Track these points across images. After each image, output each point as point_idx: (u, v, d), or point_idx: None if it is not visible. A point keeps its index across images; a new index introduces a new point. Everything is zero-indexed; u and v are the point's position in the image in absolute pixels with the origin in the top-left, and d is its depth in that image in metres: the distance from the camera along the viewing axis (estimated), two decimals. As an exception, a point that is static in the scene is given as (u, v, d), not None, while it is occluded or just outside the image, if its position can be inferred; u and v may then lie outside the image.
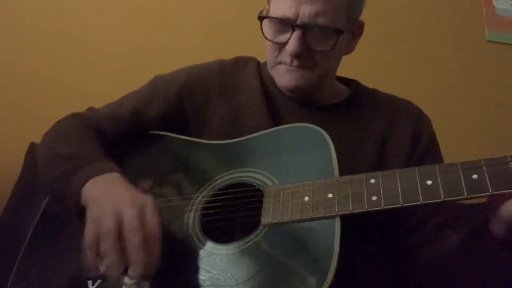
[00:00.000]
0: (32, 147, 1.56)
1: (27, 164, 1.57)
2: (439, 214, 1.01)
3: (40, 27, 1.79)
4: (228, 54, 1.20)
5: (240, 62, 1.17)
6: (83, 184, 0.89)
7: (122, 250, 0.77)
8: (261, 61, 1.18)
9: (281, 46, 1.02)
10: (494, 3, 2.19)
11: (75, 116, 1.11)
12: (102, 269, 0.77)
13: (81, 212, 0.88)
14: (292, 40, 0.99)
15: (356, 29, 1.09)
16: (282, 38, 1.01)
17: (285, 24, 1.00)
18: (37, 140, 1.11)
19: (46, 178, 0.99)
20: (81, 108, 1.16)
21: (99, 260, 0.78)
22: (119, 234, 0.77)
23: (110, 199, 0.82)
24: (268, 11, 1.05)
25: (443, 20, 2.14)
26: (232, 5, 1.93)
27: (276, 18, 1.00)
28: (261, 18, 1.03)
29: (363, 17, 1.11)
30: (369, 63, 1.94)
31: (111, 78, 1.78)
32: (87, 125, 1.07)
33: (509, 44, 2.16)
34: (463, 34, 2.13)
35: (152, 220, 0.80)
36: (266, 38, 1.03)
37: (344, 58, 1.13)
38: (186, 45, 1.86)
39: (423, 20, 2.13)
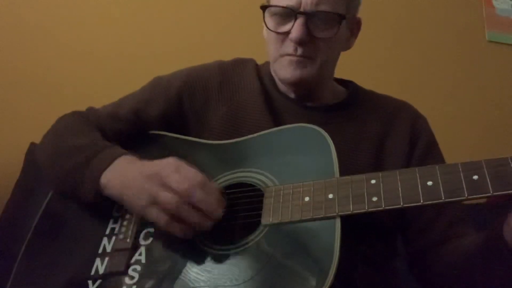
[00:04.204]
0: (32, 147, 1.56)
1: (27, 164, 1.56)
2: (446, 211, 1.01)
3: (40, 27, 1.79)
4: (227, 55, 1.20)
5: (239, 63, 1.17)
6: (100, 173, 0.92)
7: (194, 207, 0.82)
8: (260, 63, 1.18)
9: (284, 36, 1.02)
10: (494, 3, 2.19)
11: (76, 114, 1.12)
12: (195, 230, 0.84)
13: (98, 199, 0.93)
14: (296, 27, 0.99)
15: (354, 26, 1.10)
16: (285, 27, 1.01)
17: (288, 13, 1.00)
18: (37, 140, 1.11)
19: (57, 171, 1.00)
20: (81, 108, 1.16)
21: (184, 227, 0.84)
22: (182, 198, 0.82)
23: (144, 179, 0.86)
24: (269, 1, 1.06)
25: (443, 20, 2.14)
26: (231, 7, 1.93)
27: (278, 6, 1.01)
28: (263, 8, 1.04)
29: (363, 17, 1.11)
30: (368, 63, 1.94)
31: (111, 79, 1.78)
32: (88, 122, 1.08)
33: (509, 44, 2.17)
34: (463, 34, 2.14)
35: (190, 169, 0.86)
36: (269, 29, 1.03)
37: (344, 58, 1.13)
38: (185, 47, 1.86)
39: (423, 20, 2.13)
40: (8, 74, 1.75)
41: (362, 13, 1.11)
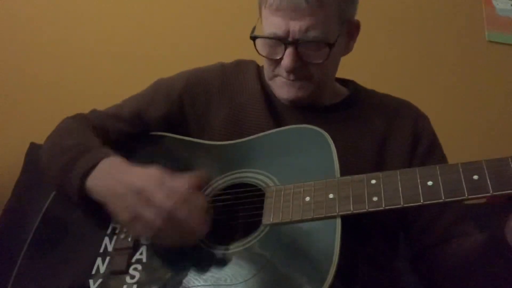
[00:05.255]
0: (32, 147, 1.56)
1: (27, 164, 1.56)
2: (447, 210, 1.02)
3: (41, 27, 1.79)
4: (228, 57, 1.21)
5: (241, 65, 1.18)
6: (85, 175, 0.91)
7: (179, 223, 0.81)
8: (261, 64, 1.18)
9: (276, 61, 1.03)
10: (494, 3, 2.19)
11: (78, 116, 1.12)
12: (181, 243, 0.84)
13: (83, 200, 0.92)
14: (286, 57, 0.99)
15: (352, 29, 1.09)
16: (277, 54, 1.01)
17: (278, 42, 1.00)
18: (37, 140, 1.11)
19: (51, 171, 1.00)
20: (81, 108, 1.16)
21: (169, 240, 0.84)
22: (166, 216, 0.81)
23: (127, 193, 0.84)
24: (260, 26, 1.05)
25: (443, 20, 2.14)
26: (233, 9, 1.93)
27: (267, 37, 1.01)
28: (253, 38, 1.03)
29: (363, 17, 1.10)
30: (369, 63, 1.94)
31: (112, 80, 1.78)
32: (89, 124, 1.08)
33: (509, 44, 2.17)
34: (463, 34, 2.13)
35: (175, 186, 0.83)
36: (261, 55, 1.04)
37: (344, 58, 1.13)
38: (187, 48, 1.87)
39: (423, 20, 2.13)
40: (8, 74, 1.75)
41: (361, 13, 1.10)
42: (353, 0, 1.06)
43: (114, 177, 0.89)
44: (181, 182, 0.84)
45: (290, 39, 0.98)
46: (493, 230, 0.84)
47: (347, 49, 1.11)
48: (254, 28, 1.05)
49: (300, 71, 1.01)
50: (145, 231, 0.83)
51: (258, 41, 1.03)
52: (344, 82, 1.20)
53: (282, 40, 0.99)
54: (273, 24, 0.99)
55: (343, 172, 0.86)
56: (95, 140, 1.02)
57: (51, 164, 1.00)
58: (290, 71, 1.01)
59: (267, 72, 1.08)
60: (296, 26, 0.97)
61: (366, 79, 1.23)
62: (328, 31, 0.99)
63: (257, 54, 1.07)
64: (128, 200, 0.83)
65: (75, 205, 0.95)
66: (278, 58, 1.01)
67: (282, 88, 1.05)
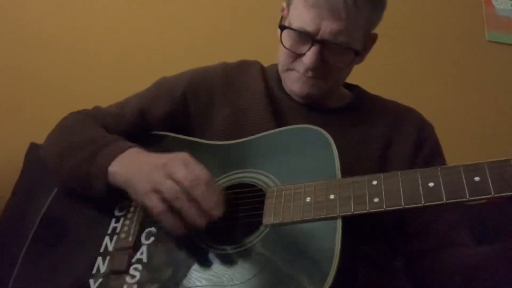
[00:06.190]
0: (32, 147, 1.56)
1: (27, 164, 1.56)
2: (447, 213, 1.01)
3: (41, 27, 1.79)
4: (231, 57, 1.21)
5: (244, 65, 1.18)
6: (109, 163, 0.92)
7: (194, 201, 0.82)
8: (265, 65, 1.19)
9: (297, 55, 1.02)
10: (494, 3, 2.20)
11: (82, 112, 1.13)
12: (189, 223, 0.83)
13: (108, 190, 0.93)
14: (311, 54, 0.99)
15: (369, 42, 1.09)
16: (300, 49, 1.01)
17: (305, 37, 1.00)
18: (37, 140, 1.11)
19: (65, 165, 1.00)
20: (81, 108, 1.16)
21: (178, 220, 0.83)
22: (182, 190, 0.82)
23: (152, 168, 0.86)
24: (287, 13, 1.05)
25: (443, 20, 2.14)
26: (236, 8, 1.92)
27: (296, 30, 1.00)
28: (281, 28, 1.03)
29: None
30: (368, 63, 1.93)
31: (113, 80, 1.78)
32: (94, 119, 1.09)
33: (509, 44, 2.17)
34: (463, 34, 2.14)
35: (198, 166, 0.85)
36: (284, 46, 1.03)
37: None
38: (190, 48, 1.87)
39: (423, 20, 2.13)
40: (8, 74, 1.75)
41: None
42: (381, 13, 1.06)
43: (139, 159, 0.91)
44: (205, 169, 0.86)
45: (319, 37, 0.98)
46: (508, 239, 0.83)
47: (361, 59, 1.11)
48: (282, 18, 1.06)
49: (318, 70, 1.01)
50: (158, 203, 0.83)
51: (284, 31, 1.03)
52: (349, 86, 1.20)
53: (311, 37, 0.99)
54: (304, 19, 0.99)
55: (345, 176, 0.86)
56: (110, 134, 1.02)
57: (67, 159, 0.99)
58: (310, 69, 1.01)
59: (282, 63, 1.07)
60: (327, 27, 0.97)
61: (366, 79, 1.23)
62: (355, 40, 1.00)
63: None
64: (150, 173, 0.85)
65: (98, 197, 0.95)
66: (301, 53, 1.01)
67: (296, 82, 1.05)
